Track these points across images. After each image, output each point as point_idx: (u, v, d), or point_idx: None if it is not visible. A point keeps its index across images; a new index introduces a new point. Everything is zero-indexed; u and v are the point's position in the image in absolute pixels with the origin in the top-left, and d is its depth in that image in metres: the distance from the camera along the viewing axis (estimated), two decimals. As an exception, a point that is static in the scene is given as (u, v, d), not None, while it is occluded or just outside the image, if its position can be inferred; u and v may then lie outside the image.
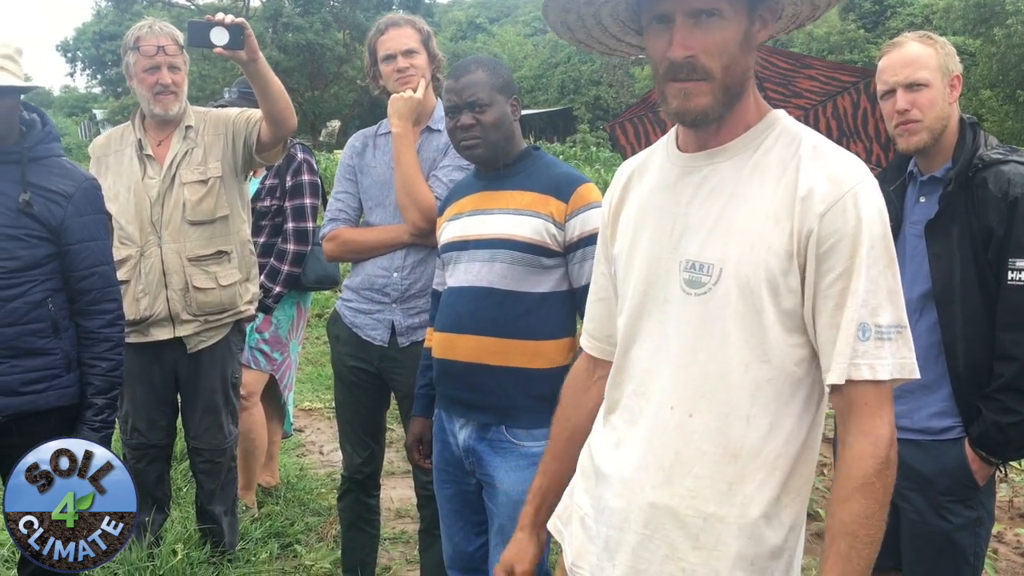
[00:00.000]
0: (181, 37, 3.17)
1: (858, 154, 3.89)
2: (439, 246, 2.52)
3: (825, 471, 4.75)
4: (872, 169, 3.67)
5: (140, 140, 3.21)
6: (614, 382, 1.61)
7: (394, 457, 4.66)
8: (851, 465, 1.36)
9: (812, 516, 4.12)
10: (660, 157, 1.58)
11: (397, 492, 4.37)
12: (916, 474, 2.36)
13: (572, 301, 2.43)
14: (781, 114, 1.48)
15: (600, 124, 34.70)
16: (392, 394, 3.12)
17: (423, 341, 2.93)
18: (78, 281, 2.52)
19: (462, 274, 2.38)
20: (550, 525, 1.75)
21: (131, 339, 3.06)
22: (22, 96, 2.54)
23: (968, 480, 2.32)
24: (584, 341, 1.79)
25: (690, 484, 1.43)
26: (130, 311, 3.05)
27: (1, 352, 2.40)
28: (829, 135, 3.96)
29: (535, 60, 43.50)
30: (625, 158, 4.57)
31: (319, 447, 5.27)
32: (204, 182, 3.18)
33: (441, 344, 2.42)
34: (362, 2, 36.74)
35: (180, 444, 3.76)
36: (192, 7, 38.26)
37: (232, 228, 3.26)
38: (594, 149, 26.59)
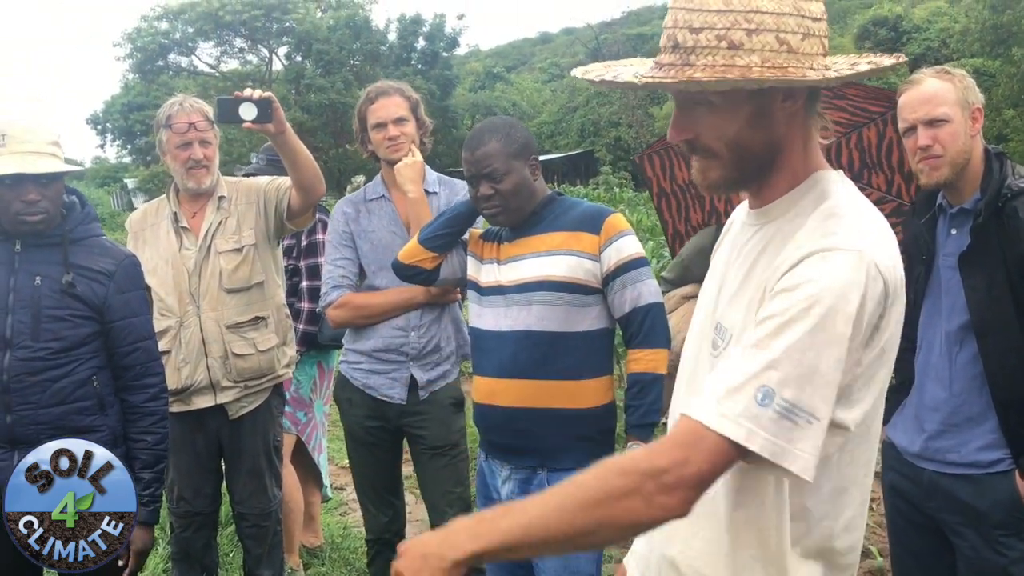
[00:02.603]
0: (211, 112, 3.25)
1: (879, 186, 3.87)
2: (468, 280, 2.57)
3: (873, 507, 4.67)
4: (892, 201, 3.62)
5: (175, 213, 3.28)
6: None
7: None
8: (623, 455, 1.28)
9: (864, 553, 4.05)
10: (743, 211, 1.55)
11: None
12: (969, 509, 2.33)
13: (611, 339, 2.45)
14: (824, 176, 1.39)
15: (622, 164, 34.82)
16: (408, 446, 3.16)
17: (440, 389, 3.01)
18: (122, 357, 2.56)
19: (502, 318, 2.42)
20: (625, 560, 1.75)
21: (173, 408, 3.10)
22: None
23: (1020, 512, 2.28)
24: None
25: (696, 544, 1.42)
26: (172, 381, 3.09)
27: (49, 431, 2.42)
28: (851, 166, 3.94)
29: (554, 105, 43.88)
30: (651, 190, 4.59)
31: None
32: (239, 250, 3.23)
33: (482, 390, 2.45)
34: (382, 59, 37.43)
35: (225, 509, 3.78)
36: (217, 75, 39.12)
37: (268, 293, 3.31)
38: (617, 190, 26.64)
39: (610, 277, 2.38)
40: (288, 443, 4.02)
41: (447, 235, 2.62)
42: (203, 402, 3.23)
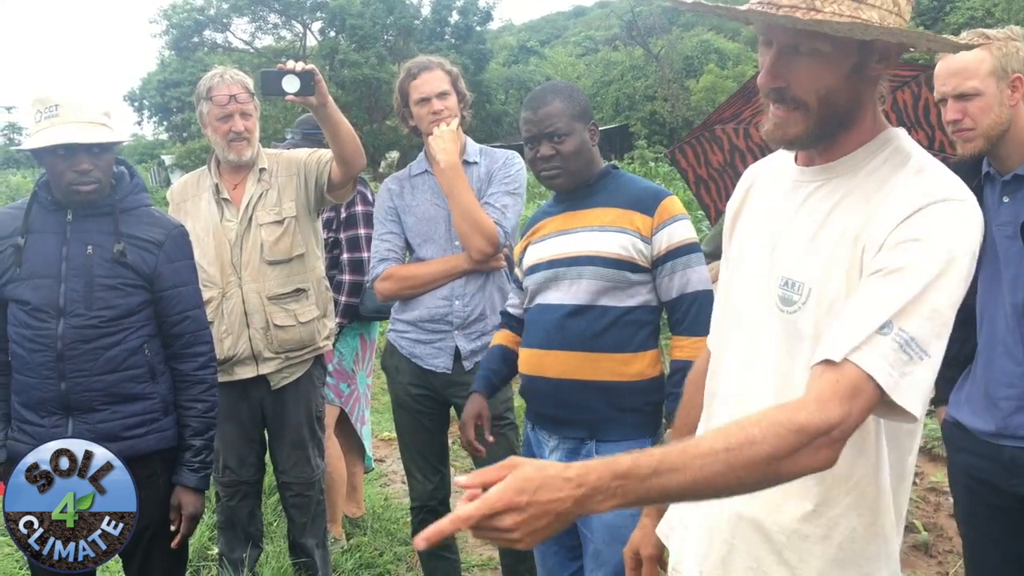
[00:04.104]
0: (252, 84, 3.26)
1: (920, 141, 3.83)
2: (523, 269, 2.55)
3: (917, 480, 4.63)
4: (936, 155, 3.61)
5: (216, 185, 3.30)
6: (710, 388, 1.62)
7: (476, 483, 4.67)
8: (785, 407, 1.24)
9: (907, 527, 4.02)
10: (779, 167, 1.57)
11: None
12: None
13: (658, 315, 2.44)
14: (896, 133, 1.43)
15: (657, 139, 34.51)
16: (453, 416, 3.18)
17: None
18: (172, 326, 2.59)
19: (550, 292, 2.41)
20: (658, 529, 1.76)
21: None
22: None
23: None
24: (711, 342, 1.76)
25: (778, 499, 1.43)
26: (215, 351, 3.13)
27: (102, 399, 2.47)
28: None
29: (588, 79, 43.52)
30: (687, 180, 4.57)
31: (401, 476, 5.29)
32: (280, 222, 3.25)
33: (529, 361, 2.45)
34: (415, 34, 37.32)
35: (269, 479, 3.83)
36: (252, 50, 39.27)
37: (308, 265, 3.33)
38: (652, 164, 26.42)
39: (659, 261, 2.36)
40: (331, 415, 4.06)
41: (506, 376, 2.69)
42: (245, 372, 3.27)
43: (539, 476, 1.17)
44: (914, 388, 1.22)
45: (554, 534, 1.17)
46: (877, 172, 1.39)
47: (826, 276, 1.37)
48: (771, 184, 1.57)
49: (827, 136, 1.41)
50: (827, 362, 1.25)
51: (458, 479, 1.23)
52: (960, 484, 2.47)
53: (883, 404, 1.23)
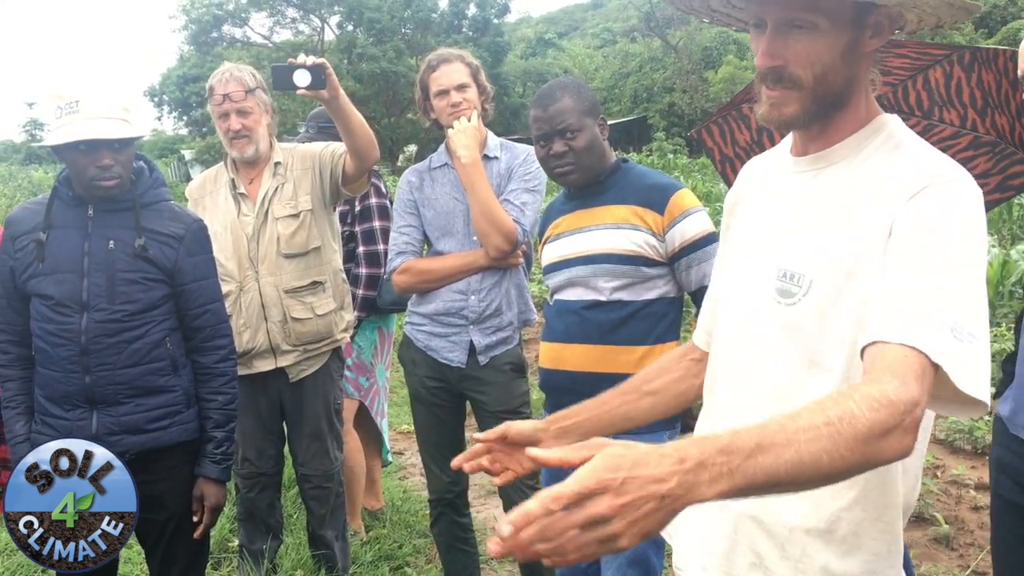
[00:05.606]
0: (251, 81, 3.25)
1: (952, 121, 3.77)
2: (542, 267, 2.55)
3: (939, 472, 4.60)
4: (968, 134, 3.56)
5: (233, 180, 3.32)
6: (708, 385, 1.60)
7: (494, 476, 4.68)
8: (869, 382, 1.13)
9: (928, 520, 4.00)
10: (777, 159, 1.56)
11: (500, 511, 4.39)
12: None
13: (678, 305, 2.44)
14: (888, 119, 1.42)
15: (675, 131, 34.41)
16: (470, 410, 3.19)
17: (500, 354, 3.02)
18: (192, 319, 2.61)
19: (567, 289, 2.42)
20: (665, 532, 1.75)
21: (236, 371, 3.16)
22: None
23: None
24: (697, 336, 1.75)
25: (802, 505, 1.40)
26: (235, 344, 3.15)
27: (126, 392, 2.49)
28: (920, 106, 3.85)
29: (606, 71, 43.43)
30: (712, 159, 4.55)
31: (420, 469, 5.31)
32: (296, 216, 3.27)
33: (548, 355, 2.46)
34: (433, 27, 37.38)
35: (288, 472, 3.85)
36: (270, 45, 39.40)
37: (325, 258, 3.34)
38: (671, 156, 26.38)
39: (675, 258, 2.36)
40: (350, 408, 4.08)
41: None
42: (264, 365, 3.29)
43: (631, 452, 0.99)
44: (974, 373, 1.16)
45: (659, 529, 0.98)
46: (870, 160, 1.38)
47: (824, 266, 1.35)
48: (767, 177, 1.56)
49: (822, 116, 1.39)
50: (883, 343, 1.18)
51: (476, 436, 1.15)
52: (993, 478, 2.38)
53: (945, 395, 1.18)
